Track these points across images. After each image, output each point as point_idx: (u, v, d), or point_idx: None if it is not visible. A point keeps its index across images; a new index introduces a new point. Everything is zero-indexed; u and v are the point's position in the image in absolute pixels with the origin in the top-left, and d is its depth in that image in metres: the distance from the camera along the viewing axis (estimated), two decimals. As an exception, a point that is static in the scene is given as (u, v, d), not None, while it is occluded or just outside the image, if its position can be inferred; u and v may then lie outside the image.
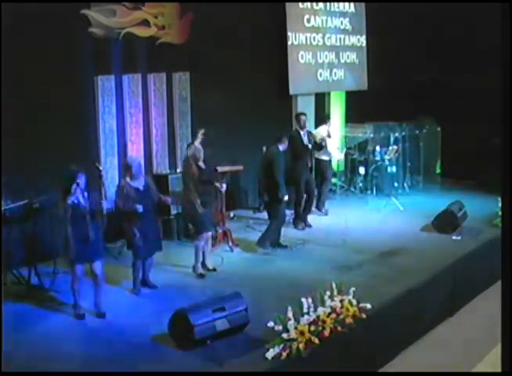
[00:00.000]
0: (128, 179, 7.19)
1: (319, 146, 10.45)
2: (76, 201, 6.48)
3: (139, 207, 7.05)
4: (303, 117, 10.22)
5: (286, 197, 8.86)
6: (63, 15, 8.27)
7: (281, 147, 9.03)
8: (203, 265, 8.08)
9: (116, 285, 7.55)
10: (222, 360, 5.57)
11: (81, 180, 6.51)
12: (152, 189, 7.37)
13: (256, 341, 5.94)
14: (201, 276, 7.90)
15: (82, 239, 6.52)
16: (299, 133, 10.07)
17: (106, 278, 7.53)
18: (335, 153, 11.33)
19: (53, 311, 6.87)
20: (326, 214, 11.02)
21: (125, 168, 7.33)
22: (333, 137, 11.10)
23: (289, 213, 10.32)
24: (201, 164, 7.90)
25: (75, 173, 6.50)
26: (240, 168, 9.82)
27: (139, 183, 7.23)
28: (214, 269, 8.11)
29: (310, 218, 10.42)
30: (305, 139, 10.10)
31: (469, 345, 7.25)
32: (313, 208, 10.74)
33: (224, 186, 8.54)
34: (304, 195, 10.23)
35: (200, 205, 7.78)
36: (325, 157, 11.05)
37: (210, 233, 8.10)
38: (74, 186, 6.45)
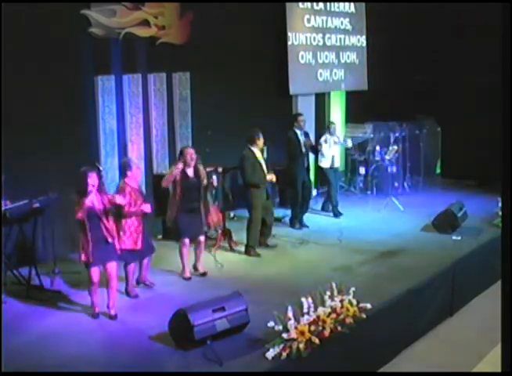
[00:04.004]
0: (127, 180, 7.16)
1: (313, 150, 10.40)
2: (91, 203, 6.38)
3: (147, 207, 7.05)
4: (301, 118, 10.16)
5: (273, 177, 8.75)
6: (63, 15, 8.27)
7: (253, 148, 8.77)
8: (194, 268, 8.04)
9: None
10: (222, 360, 5.57)
11: (94, 180, 6.39)
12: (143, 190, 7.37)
13: (256, 341, 5.93)
14: (188, 279, 7.83)
15: (98, 241, 6.44)
16: (296, 134, 10.05)
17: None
18: (326, 162, 10.94)
19: (53, 311, 6.87)
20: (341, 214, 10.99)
21: (124, 168, 7.26)
22: (332, 144, 10.97)
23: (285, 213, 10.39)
24: (189, 170, 7.74)
25: (86, 174, 6.37)
26: (220, 168, 9.64)
27: (137, 184, 7.25)
28: (205, 273, 7.98)
29: (311, 217, 10.44)
30: (302, 140, 10.08)
31: (469, 345, 7.24)
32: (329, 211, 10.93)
33: (214, 178, 8.29)
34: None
35: (172, 213, 7.69)
36: (323, 165, 11.01)
37: (201, 238, 7.91)
38: (89, 187, 6.34)
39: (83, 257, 6.47)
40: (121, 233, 7.01)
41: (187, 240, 7.79)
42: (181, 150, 7.98)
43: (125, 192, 7.04)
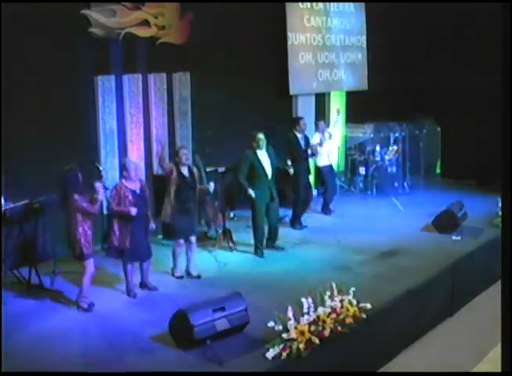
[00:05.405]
0: (124, 181, 7.17)
1: (312, 152, 10.39)
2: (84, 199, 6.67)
3: (133, 210, 6.99)
4: (303, 122, 10.15)
5: (252, 193, 8.59)
6: (63, 15, 8.26)
7: (257, 149, 8.70)
8: (188, 272, 7.98)
9: (116, 286, 7.56)
10: (222, 360, 5.58)
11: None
12: (146, 193, 7.35)
13: (256, 341, 5.94)
14: (179, 278, 7.88)
15: (91, 235, 6.80)
16: (296, 137, 10.03)
17: (107, 279, 7.58)
18: (324, 160, 11.04)
19: (53, 311, 6.87)
20: (332, 213, 11.05)
21: (122, 169, 7.34)
22: (328, 143, 10.96)
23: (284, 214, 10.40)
24: (184, 169, 7.73)
25: (78, 173, 6.63)
26: (223, 169, 9.62)
27: (136, 186, 7.21)
28: (199, 276, 7.92)
29: (310, 217, 10.45)
30: (303, 143, 10.06)
31: (469, 345, 7.25)
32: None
33: (212, 185, 8.06)
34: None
35: (168, 213, 7.68)
36: (321, 163, 11.02)
37: (193, 238, 7.89)
38: (79, 185, 6.63)
39: (88, 250, 6.78)
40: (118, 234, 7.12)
41: (182, 241, 7.84)
42: (176, 151, 8.00)
43: (119, 193, 7.07)
